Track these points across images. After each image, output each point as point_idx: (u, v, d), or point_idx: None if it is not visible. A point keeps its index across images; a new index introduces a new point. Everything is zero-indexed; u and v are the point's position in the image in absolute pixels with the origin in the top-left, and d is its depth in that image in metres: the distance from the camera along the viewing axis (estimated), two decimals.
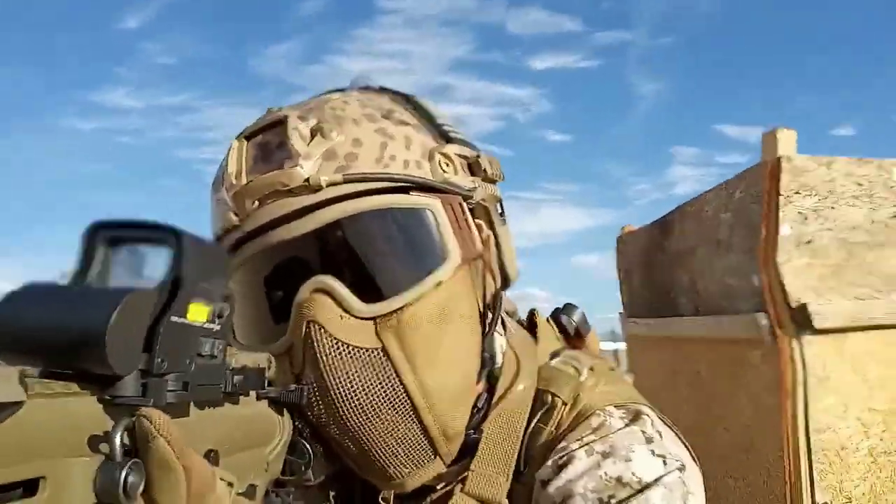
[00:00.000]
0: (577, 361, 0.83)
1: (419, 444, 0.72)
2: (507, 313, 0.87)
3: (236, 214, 0.72)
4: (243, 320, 0.77)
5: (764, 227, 2.11)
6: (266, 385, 0.63)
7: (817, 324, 1.95)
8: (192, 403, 0.52)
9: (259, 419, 0.65)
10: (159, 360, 0.46)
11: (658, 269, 2.93)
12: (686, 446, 0.78)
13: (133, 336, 0.44)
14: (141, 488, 0.43)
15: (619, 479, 0.70)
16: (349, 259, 0.73)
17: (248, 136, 0.75)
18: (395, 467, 0.72)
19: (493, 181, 0.81)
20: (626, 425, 0.75)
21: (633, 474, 0.70)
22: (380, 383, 0.69)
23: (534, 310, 0.92)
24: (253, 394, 0.62)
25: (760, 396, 2.16)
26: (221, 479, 0.54)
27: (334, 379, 0.68)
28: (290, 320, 0.71)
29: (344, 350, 0.69)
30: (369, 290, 0.71)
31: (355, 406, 0.69)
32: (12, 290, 0.43)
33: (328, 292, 0.70)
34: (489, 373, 0.80)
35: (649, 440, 0.74)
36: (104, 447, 0.43)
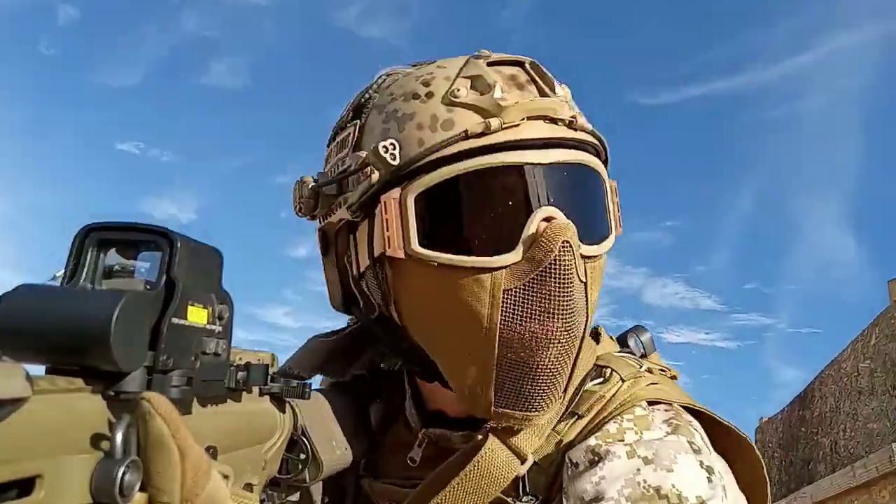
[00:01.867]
0: (638, 361, 0.85)
1: (562, 382, 0.74)
2: None
3: (487, 127, 0.71)
4: (447, 227, 0.74)
5: None
6: (269, 381, 0.62)
7: None
8: (195, 400, 0.52)
9: (261, 415, 0.65)
10: (164, 357, 0.46)
11: (798, 446, 2.97)
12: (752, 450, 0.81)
13: (137, 333, 0.44)
14: (137, 487, 0.43)
15: (657, 490, 0.68)
16: (577, 201, 0.75)
17: (489, 63, 0.76)
18: (544, 397, 0.72)
19: None
20: (670, 433, 0.73)
21: (674, 487, 0.68)
22: (581, 309, 0.72)
23: (598, 326, 0.91)
24: (256, 390, 0.61)
25: None
26: (218, 472, 0.53)
27: (565, 298, 0.71)
28: (531, 237, 0.71)
29: (573, 275, 0.71)
30: (584, 233, 0.73)
31: (567, 328, 0.71)
32: (7, 292, 0.43)
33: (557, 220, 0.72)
34: None
35: (697, 451, 0.72)
36: (105, 444, 0.42)
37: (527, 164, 0.72)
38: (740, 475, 0.78)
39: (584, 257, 0.73)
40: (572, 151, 0.75)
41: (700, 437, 0.74)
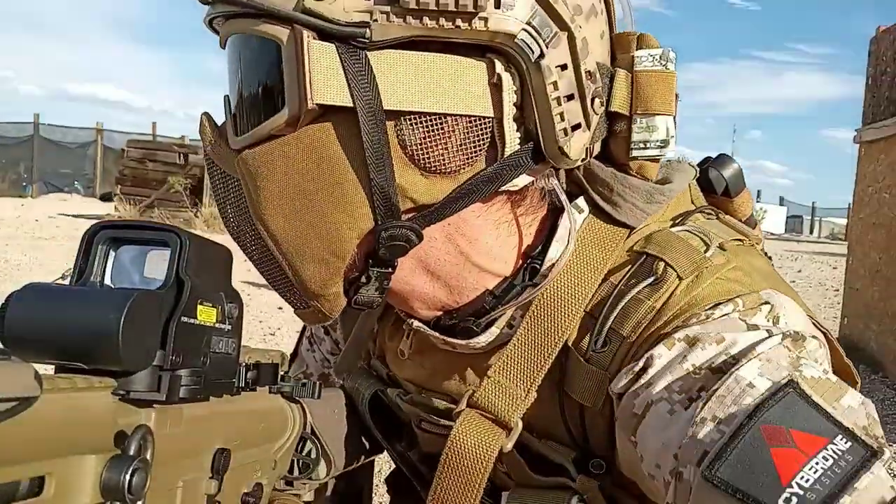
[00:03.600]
0: (706, 234, 0.68)
1: (287, 285, 0.66)
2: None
3: None
4: None
5: None
6: (279, 380, 0.62)
7: None
8: (205, 400, 0.51)
9: (271, 414, 0.65)
10: (174, 356, 0.45)
11: None
12: (832, 345, 0.65)
13: (146, 332, 0.44)
14: (147, 487, 0.42)
15: (710, 367, 0.57)
16: (233, 85, 0.67)
17: None
18: (284, 297, 0.68)
19: (453, 13, 0.58)
20: (729, 314, 0.61)
21: (728, 354, 0.57)
22: (241, 210, 0.66)
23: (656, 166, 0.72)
24: (266, 389, 0.61)
25: None
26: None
27: (216, 196, 0.68)
28: None
29: (215, 172, 0.68)
30: (238, 121, 0.66)
31: (235, 226, 0.67)
32: (15, 291, 0.43)
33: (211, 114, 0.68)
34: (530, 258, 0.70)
35: (752, 328, 0.60)
36: (115, 444, 0.42)
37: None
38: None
39: (234, 151, 0.64)
40: (228, 22, 0.64)
41: (770, 309, 0.62)
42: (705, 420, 0.54)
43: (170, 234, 0.47)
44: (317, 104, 0.59)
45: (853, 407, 0.54)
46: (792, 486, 0.47)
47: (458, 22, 0.58)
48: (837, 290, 8.31)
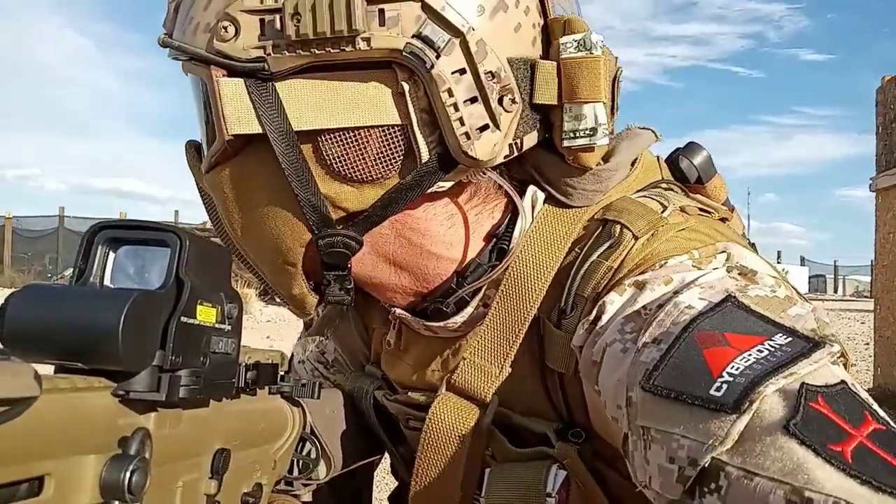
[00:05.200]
0: (665, 198, 0.69)
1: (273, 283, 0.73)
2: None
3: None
4: None
5: None
6: (279, 381, 0.62)
7: None
8: (205, 400, 0.51)
9: (271, 414, 0.65)
10: (174, 356, 0.45)
11: None
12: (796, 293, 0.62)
13: (145, 333, 0.44)
14: (146, 487, 0.42)
15: (658, 305, 0.57)
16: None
17: None
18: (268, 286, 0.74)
19: (336, 39, 0.61)
20: (682, 261, 0.62)
21: (677, 295, 0.57)
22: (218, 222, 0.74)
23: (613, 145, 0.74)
24: (265, 389, 0.61)
25: None
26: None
27: (207, 209, 0.75)
28: None
29: (202, 190, 0.75)
30: (202, 147, 0.73)
31: (223, 240, 0.74)
32: (15, 291, 0.43)
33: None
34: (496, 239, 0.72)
35: (699, 268, 0.60)
36: (114, 444, 0.42)
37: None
38: None
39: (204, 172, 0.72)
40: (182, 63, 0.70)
41: (728, 257, 0.62)
42: (647, 344, 0.55)
43: (170, 235, 0.47)
44: (232, 135, 0.65)
45: (801, 314, 0.54)
46: (722, 376, 0.48)
47: (342, 46, 0.62)
48: (868, 344, 8.43)
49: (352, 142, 0.64)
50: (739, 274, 0.59)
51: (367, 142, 0.64)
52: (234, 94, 0.64)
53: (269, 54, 0.63)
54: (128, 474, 0.41)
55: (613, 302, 0.61)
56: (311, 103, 0.64)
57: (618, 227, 0.66)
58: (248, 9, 0.63)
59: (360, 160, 0.65)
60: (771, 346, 0.49)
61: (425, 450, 0.69)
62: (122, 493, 0.41)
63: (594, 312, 0.62)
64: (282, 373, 0.63)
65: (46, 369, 0.40)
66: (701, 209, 0.72)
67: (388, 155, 0.65)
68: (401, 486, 0.89)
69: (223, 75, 0.64)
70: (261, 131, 0.64)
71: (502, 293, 0.69)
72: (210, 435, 0.53)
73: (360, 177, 0.65)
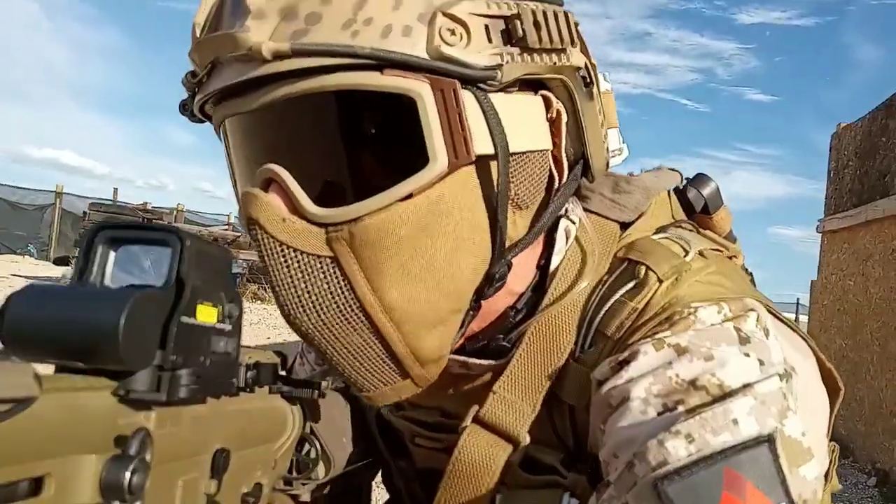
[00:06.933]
0: (686, 241, 0.69)
1: (383, 363, 0.62)
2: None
3: (194, 76, 0.61)
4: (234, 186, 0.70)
5: None
6: (279, 381, 0.62)
7: None
8: (205, 400, 0.51)
9: (271, 414, 0.65)
10: (174, 356, 0.45)
11: (876, 156, 3.01)
12: (815, 354, 0.65)
13: (146, 332, 0.44)
14: (146, 487, 0.42)
15: (693, 382, 0.56)
16: (306, 150, 0.61)
17: None
18: (360, 380, 0.63)
19: (553, 50, 0.60)
20: (721, 322, 0.60)
21: (714, 376, 0.56)
22: (331, 295, 0.58)
23: (633, 175, 0.78)
24: (266, 389, 0.61)
25: None
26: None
27: (280, 284, 0.58)
28: None
29: (289, 254, 0.58)
30: (326, 190, 0.60)
31: (306, 316, 0.59)
32: (15, 292, 0.43)
33: (279, 185, 0.58)
34: (541, 273, 0.70)
35: (744, 340, 0.58)
36: (114, 443, 0.42)
37: (225, 117, 0.62)
38: None
39: (323, 225, 0.58)
40: (286, 86, 0.56)
41: (756, 319, 0.61)
42: (679, 434, 0.54)
43: (170, 234, 0.47)
44: (477, 155, 0.58)
45: (807, 479, 0.56)
46: None
47: (555, 57, 0.61)
48: None
49: (522, 164, 0.63)
50: (786, 382, 0.58)
51: (529, 165, 0.63)
52: (472, 107, 0.57)
53: (506, 62, 0.58)
54: (128, 474, 0.41)
55: (647, 354, 0.59)
56: (517, 120, 0.61)
57: (643, 269, 0.65)
58: (475, 12, 0.57)
59: (526, 184, 0.64)
60: None
61: (451, 481, 0.67)
62: (123, 492, 0.41)
63: (625, 354, 0.60)
64: (282, 373, 0.63)
65: (46, 369, 0.40)
66: (716, 248, 0.72)
67: (539, 180, 0.65)
68: (394, 499, 0.88)
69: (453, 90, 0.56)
70: (493, 152, 0.59)
71: (536, 328, 0.67)
72: (210, 435, 0.53)
73: (521, 202, 0.64)
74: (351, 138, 0.60)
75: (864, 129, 3.23)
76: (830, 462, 0.67)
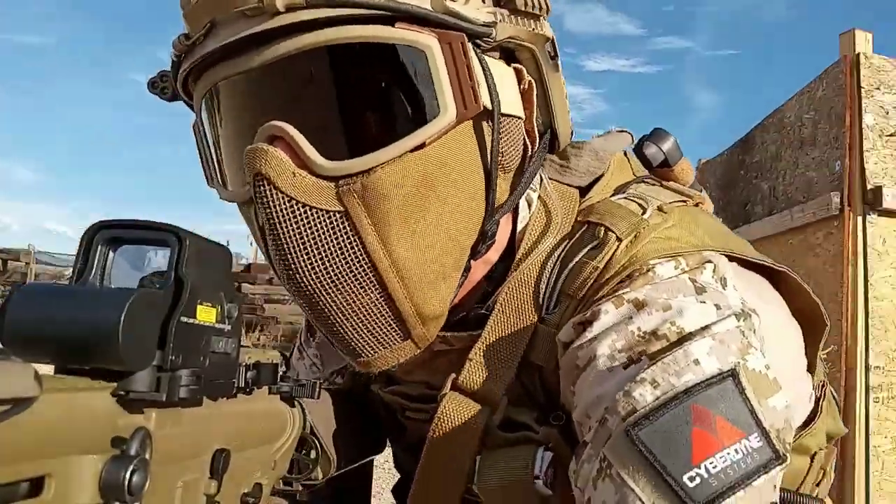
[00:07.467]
0: (644, 199, 0.70)
1: (386, 322, 0.62)
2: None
3: (187, 38, 0.60)
4: (211, 162, 0.68)
5: (848, 116, 2.39)
6: (279, 381, 0.62)
7: (887, 204, 2.25)
8: (204, 399, 0.51)
9: (271, 414, 0.65)
10: (173, 356, 0.45)
11: (737, 187, 3.17)
12: (800, 287, 0.68)
13: (145, 332, 0.44)
14: (146, 487, 0.42)
15: (654, 333, 0.57)
16: (312, 104, 0.60)
17: None
18: (359, 344, 0.63)
19: (533, 15, 0.63)
20: (678, 275, 0.62)
21: (673, 325, 0.57)
22: (340, 250, 0.59)
23: (588, 142, 0.78)
24: (265, 389, 0.61)
25: (822, 270, 2.43)
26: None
27: (288, 242, 0.58)
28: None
29: (298, 210, 0.58)
30: (334, 143, 0.59)
31: (313, 274, 0.59)
32: (14, 292, 0.43)
33: (285, 141, 0.58)
34: (510, 241, 0.71)
35: (700, 290, 0.60)
36: (114, 444, 0.42)
37: (222, 78, 0.60)
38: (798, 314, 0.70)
39: (333, 179, 0.58)
40: (293, 40, 0.56)
41: (713, 270, 0.62)
42: (644, 381, 0.55)
43: (169, 234, 0.47)
44: (484, 107, 0.60)
45: (777, 408, 0.56)
46: (700, 468, 0.51)
47: (534, 24, 0.63)
48: None
49: (509, 127, 0.65)
50: (743, 321, 0.59)
51: (509, 130, 0.66)
52: (475, 61, 0.60)
53: (500, 20, 0.60)
54: (128, 474, 0.41)
55: (608, 312, 0.60)
56: (502, 84, 0.63)
57: (601, 229, 0.67)
58: None
59: (509, 146, 0.66)
60: (746, 447, 0.52)
61: (433, 446, 0.68)
62: (122, 493, 0.41)
63: (588, 314, 0.62)
64: (281, 373, 0.63)
65: (46, 369, 0.40)
66: (680, 199, 0.73)
67: (517, 146, 0.67)
68: (403, 478, 0.89)
69: (460, 43, 0.58)
70: (491, 107, 0.61)
71: (507, 292, 0.68)
72: (210, 435, 0.53)
73: (506, 164, 0.66)
74: (359, 92, 0.59)
75: (723, 163, 3.54)
76: (821, 397, 0.69)
